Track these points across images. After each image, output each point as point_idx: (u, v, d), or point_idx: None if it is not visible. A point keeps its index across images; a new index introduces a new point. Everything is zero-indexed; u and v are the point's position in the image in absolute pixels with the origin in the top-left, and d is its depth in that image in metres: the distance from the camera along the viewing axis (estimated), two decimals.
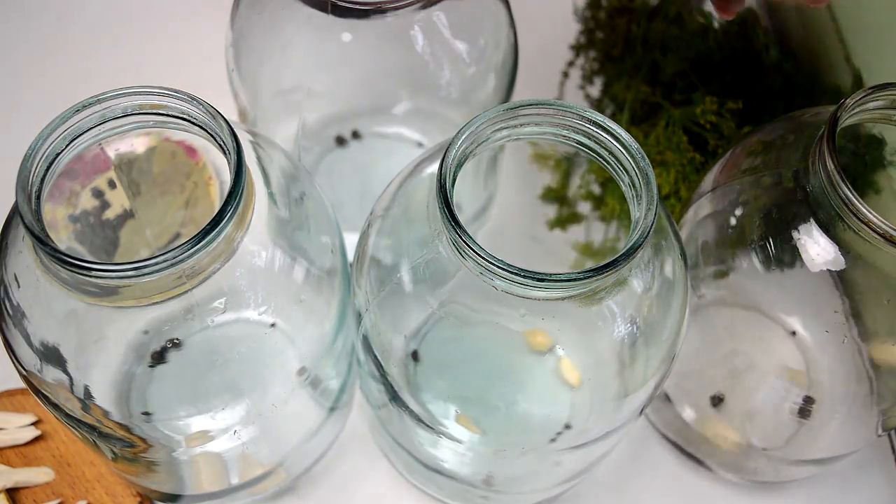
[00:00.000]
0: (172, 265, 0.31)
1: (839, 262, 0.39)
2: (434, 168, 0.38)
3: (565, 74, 0.68)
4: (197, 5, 0.70)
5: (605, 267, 0.32)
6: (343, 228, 0.44)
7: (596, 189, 0.60)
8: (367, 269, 0.40)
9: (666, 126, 0.57)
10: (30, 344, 0.36)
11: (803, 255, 0.40)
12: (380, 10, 0.43)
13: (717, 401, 0.48)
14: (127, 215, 0.47)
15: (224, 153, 0.35)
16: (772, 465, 0.49)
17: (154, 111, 0.35)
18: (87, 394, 0.37)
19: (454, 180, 0.34)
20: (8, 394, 0.50)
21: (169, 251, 0.31)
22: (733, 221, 0.43)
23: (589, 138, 0.36)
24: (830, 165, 0.37)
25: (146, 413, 0.41)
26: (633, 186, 0.35)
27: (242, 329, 0.38)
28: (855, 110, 0.38)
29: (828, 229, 0.39)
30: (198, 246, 0.32)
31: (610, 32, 0.67)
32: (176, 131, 0.36)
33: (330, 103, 0.54)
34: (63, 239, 0.45)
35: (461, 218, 0.33)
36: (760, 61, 0.58)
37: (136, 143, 0.44)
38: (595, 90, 0.67)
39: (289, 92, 0.50)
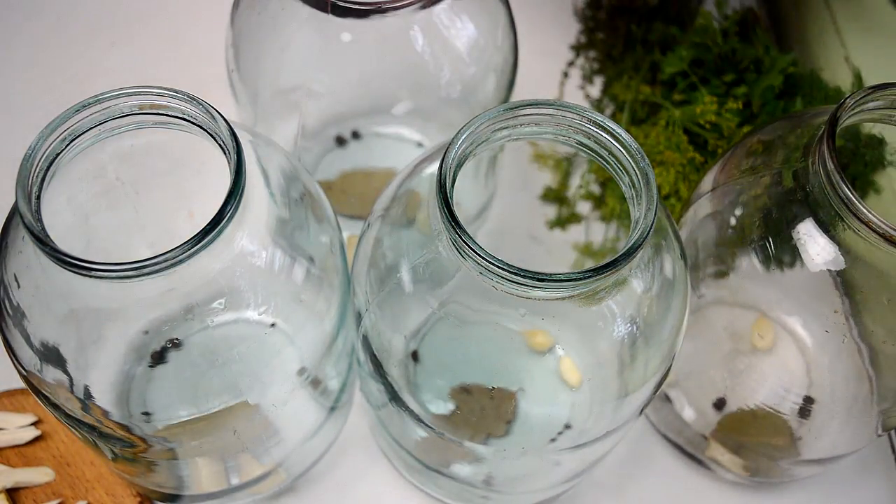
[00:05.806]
0: (172, 265, 0.32)
1: (839, 262, 0.39)
2: (434, 168, 0.38)
3: (565, 74, 0.68)
4: (197, 5, 0.70)
5: (605, 267, 0.32)
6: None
7: (596, 189, 0.60)
8: (367, 269, 0.40)
9: (666, 126, 0.57)
10: (30, 344, 0.36)
11: (803, 255, 0.40)
12: (380, 10, 0.43)
13: (717, 401, 0.48)
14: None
15: (224, 153, 0.35)
16: (772, 465, 0.49)
17: (154, 111, 0.35)
18: (87, 394, 0.37)
19: (454, 180, 0.34)
20: (8, 394, 0.50)
21: (169, 251, 0.31)
22: (733, 221, 0.43)
23: (589, 138, 0.36)
24: (830, 165, 0.37)
25: (146, 413, 0.41)
26: (633, 186, 0.35)
27: (242, 329, 0.38)
28: (855, 110, 0.38)
29: (828, 229, 0.39)
30: (197, 246, 0.32)
31: (610, 32, 0.67)
32: (176, 131, 0.36)
33: (330, 103, 0.54)
34: None
35: (461, 218, 0.33)
36: (760, 61, 0.58)
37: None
38: (595, 90, 0.67)
39: (289, 92, 0.50)
